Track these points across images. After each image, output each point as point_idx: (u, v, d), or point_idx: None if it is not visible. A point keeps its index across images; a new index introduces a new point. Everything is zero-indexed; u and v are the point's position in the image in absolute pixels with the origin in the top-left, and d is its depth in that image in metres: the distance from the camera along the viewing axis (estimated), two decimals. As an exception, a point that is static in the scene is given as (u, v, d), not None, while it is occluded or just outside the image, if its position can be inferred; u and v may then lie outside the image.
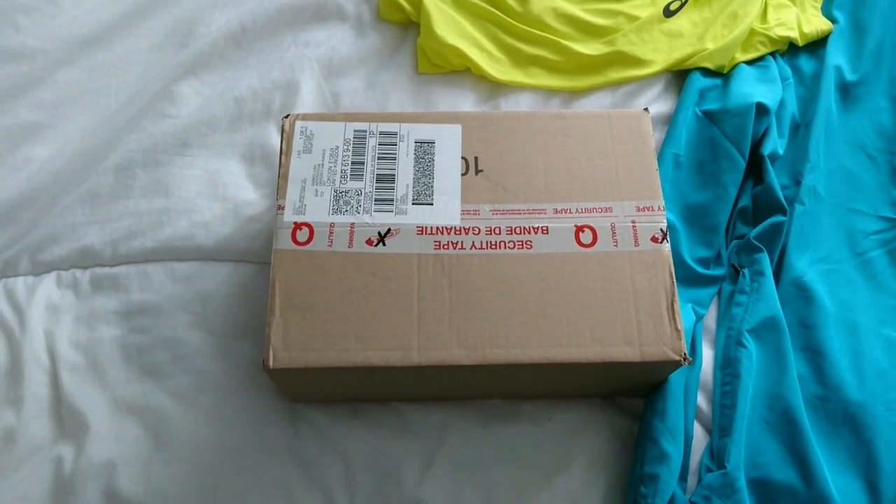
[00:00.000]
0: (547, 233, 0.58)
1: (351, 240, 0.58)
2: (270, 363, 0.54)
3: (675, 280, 0.57)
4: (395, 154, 0.61)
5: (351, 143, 0.62)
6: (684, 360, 0.55)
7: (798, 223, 0.71)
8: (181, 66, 0.78)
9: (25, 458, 0.61)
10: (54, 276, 0.69)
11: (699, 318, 0.68)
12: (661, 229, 0.58)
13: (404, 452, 0.62)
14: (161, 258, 0.69)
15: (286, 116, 0.63)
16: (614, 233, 0.58)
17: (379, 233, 0.58)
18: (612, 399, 0.65)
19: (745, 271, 0.69)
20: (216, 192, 0.72)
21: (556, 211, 0.59)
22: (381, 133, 0.62)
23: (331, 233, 0.58)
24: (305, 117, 0.63)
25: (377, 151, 0.62)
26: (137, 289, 0.68)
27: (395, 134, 0.62)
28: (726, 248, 0.71)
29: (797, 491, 0.59)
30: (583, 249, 0.58)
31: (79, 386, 0.64)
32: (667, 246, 0.58)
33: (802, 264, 0.70)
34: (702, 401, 0.65)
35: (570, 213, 0.59)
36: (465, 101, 0.77)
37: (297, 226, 0.58)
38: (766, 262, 0.69)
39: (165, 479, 0.60)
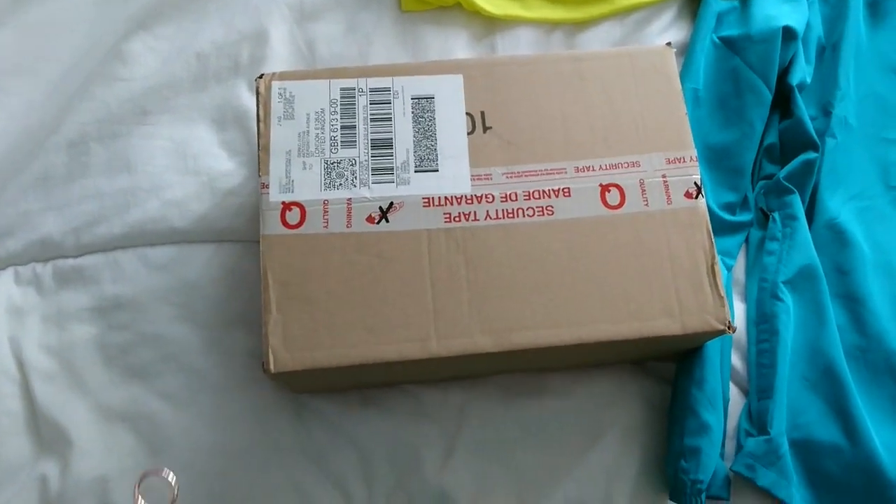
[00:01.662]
0: (569, 195, 0.52)
1: (349, 218, 0.51)
2: (272, 366, 0.48)
3: (713, 240, 0.51)
4: (389, 114, 0.54)
5: (338, 104, 0.54)
6: (729, 328, 0.50)
7: (829, 159, 0.65)
8: (130, 19, 0.68)
9: (6, 481, 0.55)
10: (11, 272, 0.62)
11: (728, 269, 0.63)
12: (696, 183, 0.53)
13: (423, 439, 0.58)
14: (132, 244, 0.62)
15: (260, 77, 0.55)
16: (644, 190, 0.52)
17: (380, 208, 0.51)
18: (642, 364, 0.61)
19: (776, 215, 0.64)
20: (186, 164, 0.64)
21: (577, 169, 0.53)
22: (371, 90, 0.55)
23: (325, 211, 0.51)
24: (283, 76, 0.55)
25: (369, 112, 0.54)
26: (109, 280, 0.61)
27: (387, 90, 0.55)
28: (753, 191, 0.66)
29: (842, 450, 0.56)
30: (610, 212, 0.52)
31: (55, 395, 0.58)
32: (703, 202, 0.52)
33: (835, 204, 0.65)
34: (736, 360, 0.61)
35: (594, 170, 0.53)
36: (458, 41, 0.69)
37: (286, 206, 0.51)
38: (797, 204, 0.64)
39: (163, 493, 0.55)
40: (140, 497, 0.39)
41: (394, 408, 0.59)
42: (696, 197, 0.52)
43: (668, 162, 0.53)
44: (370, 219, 0.51)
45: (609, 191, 0.52)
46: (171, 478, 0.35)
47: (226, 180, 0.63)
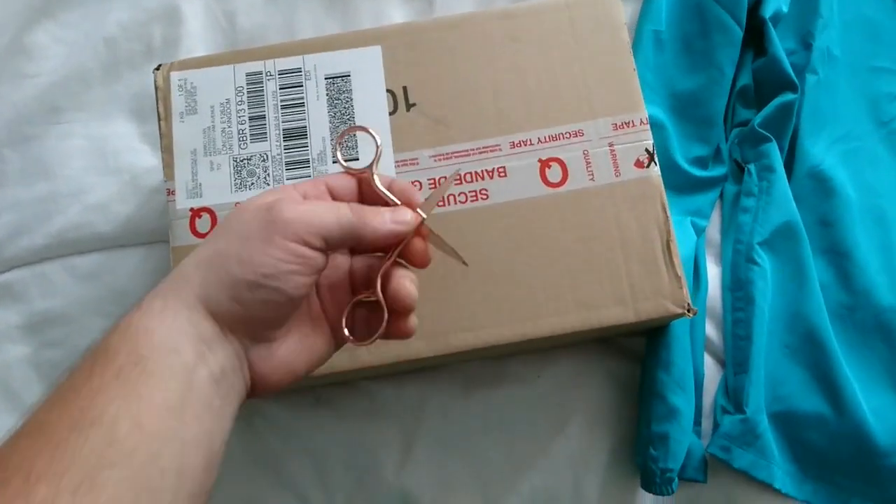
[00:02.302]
0: (505, 175, 0.47)
1: (264, 221, 0.46)
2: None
3: (668, 213, 0.46)
4: (302, 98, 0.49)
5: (245, 91, 0.49)
6: (688, 311, 0.45)
7: (811, 98, 0.59)
8: (30, 7, 0.62)
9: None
10: (-65, 296, 0.59)
11: (700, 231, 0.57)
12: (647, 149, 0.47)
13: (379, 438, 0.55)
14: (57, 255, 0.58)
15: (157, 68, 0.50)
16: (589, 163, 0.47)
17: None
18: (608, 340, 0.56)
19: (751, 167, 0.58)
20: (106, 163, 0.59)
21: (513, 145, 0.47)
22: (280, 72, 0.49)
23: (238, 215, 0.47)
24: (182, 65, 0.50)
25: (279, 98, 0.49)
26: (38, 295, 0.58)
27: (298, 71, 0.49)
28: (726, 141, 0.60)
29: (827, 420, 0.52)
30: (552, 190, 0.47)
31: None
32: (655, 170, 0.47)
33: (819, 149, 0.58)
34: (711, 329, 0.56)
35: (531, 144, 0.47)
36: (391, 1, 0.63)
37: (195, 212, 0.47)
38: (775, 153, 0.57)
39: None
40: (338, 149, 0.37)
41: (347, 408, 0.55)
42: (649, 165, 0.47)
43: (616, 128, 0.47)
44: (287, 220, 0.46)
45: (549, 166, 0.47)
46: (378, 137, 0.34)
47: (150, 177, 0.59)
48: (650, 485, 0.51)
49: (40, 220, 0.58)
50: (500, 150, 0.47)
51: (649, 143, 0.47)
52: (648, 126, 0.47)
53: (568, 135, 0.47)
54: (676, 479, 0.50)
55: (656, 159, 0.47)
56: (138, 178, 0.59)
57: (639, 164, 0.47)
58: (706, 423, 0.54)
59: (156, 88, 0.49)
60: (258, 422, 0.55)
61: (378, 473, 0.54)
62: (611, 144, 0.47)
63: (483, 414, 0.55)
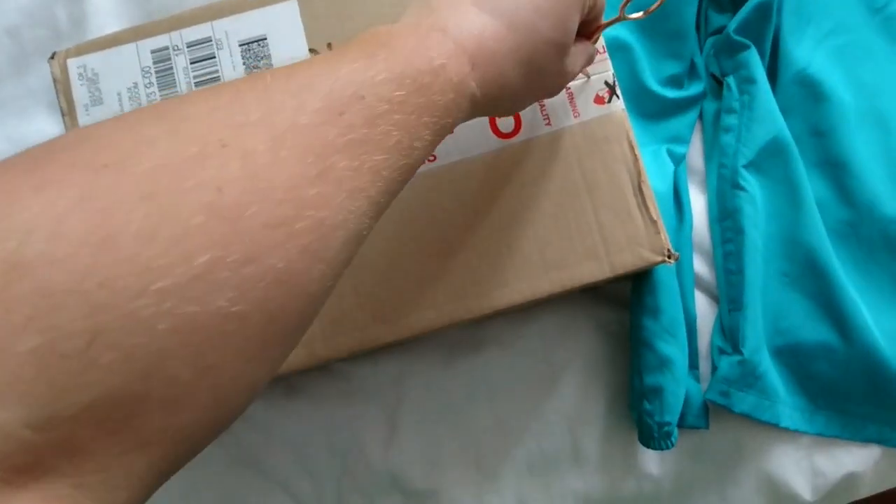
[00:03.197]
0: (451, 131, 0.42)
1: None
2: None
3: (638, 152, 0.41)
4: (217, 71, 0.44)
5: (152, 72, 0.44)
6: (668, 258, 0.41)
7: (792, -9, 0.53)
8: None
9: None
10: None
11: (680, 159, 0.53)
12: (607, 82, 0.42)
13: (361, 420, 0.52)
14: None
15: (51, 57, 0.45)
16: (542, 106, 0.42)
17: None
18: (593, 289, 0.53)
19: (730, 80, 0.53)
20: (32, 165, 0.55)
21: (456, 96, 0.42)
22: (189, 45, 0.44)
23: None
24: (79, 50, 0.44)
25: (192, 75, 0.44)
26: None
27: (208, 41, 0.44)
28: (701, 53, 0.54)
29: (834, 349, 0.49)
30: (506, 141, 0.42)
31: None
32: (618, 104, 0.42)
33: (804, 50, 0.53)
34: (701, 266, 0.52)
35: (477, 93, 0.42)
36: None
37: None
38: (755, 61, 0.52)
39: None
40: None
41: (323, 392, 0.53)
42: (610, 100, 0.42)
43: (568, 62, 0.42)
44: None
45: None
46: None
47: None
48: (648, 440, 0.48)
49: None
50: (443, 103, 0.42)
51: (609, 74, 0.42)
52: (606, 54, 0.42)
53: (516, 76, 0.42)
54: (675, 432, 0.48)
55: (618, 91, 0.42)
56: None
57: (599, 100, 0.42)
58: (704, 366, 0.51)
59: (54, 80, 0.44)
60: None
61: (364, 456, 0.52)
62: (565, 81, 0.42)
63: (467, 382, 0.52)
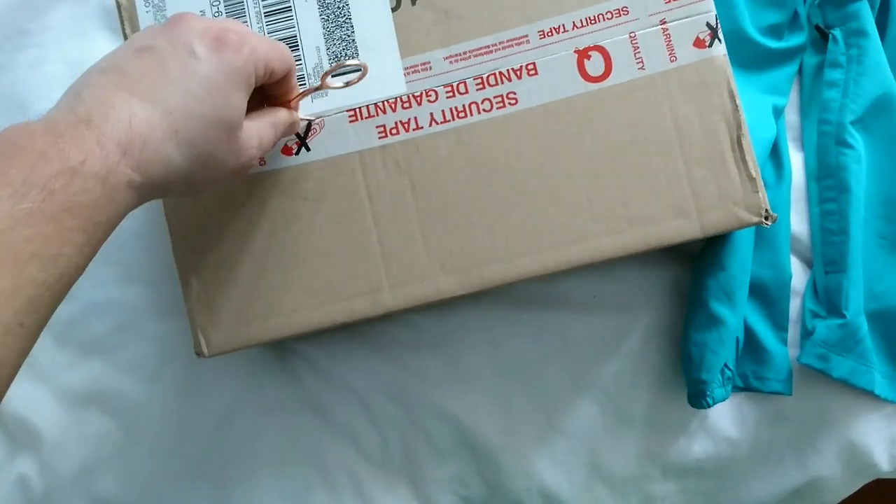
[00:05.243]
0: (535, 73, 0.40)
1: (261, 152, 0.42)
2: (204, 350, 0.42)
3: (738, 101, 0.39)
4: (288, 1, 0.42)
5: (221, 0, 0.43)
6: (766, 219, 0.39)
7: (911, -63, 0.49)
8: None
9: (-19, 487, 0.54)
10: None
11: (779, 112, 0.50)
12: (709, 23, 0.39)
13: (426, 371, 0.52)
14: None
15: (119, -18, 0.44)
16: (636, 48, 0.40)
17: (296, 133, 0.42)
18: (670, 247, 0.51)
19: (837, 33, 0.50)
20: (88, 92, 0.55)
21: (543, 34, 0.41)
22: (260, -28, 0.43)
23: (230, 149, 0.42)
24: (147, -25, 0.44)
25: (262, 3, 0.43)
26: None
27: (280, -32, 0.43)
28: (804, 4, 0.51)
29: None
30: (593, 85, 0.40)
31: (13, 385, 0.54)
32: (720, 48, 0.40)
33: (919, 2, 0.49)
34: (796, 223, 0.50)
35: (565, 31, 0.40)
36: None
37: (183, 149, 0.42)
38: (866, 13, 0.49)
39: (152, 477, 0.52)
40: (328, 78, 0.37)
41: (387, 341, 0.53)
42: (711, 44, 0.39)
43: (668, 0, 0.40)
44: (286, 150, 0.42)
45: (588, 56, 0.40)
46: (366, 66, 0.37)
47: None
48: (690, 397, 0.48)
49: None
50: (528, 41, 0.40)
51: (711, 14, 0.39)
52: (709, -7, 0.40)
53: (609, 14, 0.40)
54: (712, 393, 0.47)
55: (720, 34, 0.39)
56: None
57: (699, 43, 0.39)
58: (793, 331, 0.50)
59: (118, 6, 0.43)
60: (296, 363, 0.53)
61: (430, 405, 0.52)
62: (662, 21, 0.40)
63: (536, 338, 0.52)
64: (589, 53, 0.40)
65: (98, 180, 0.28)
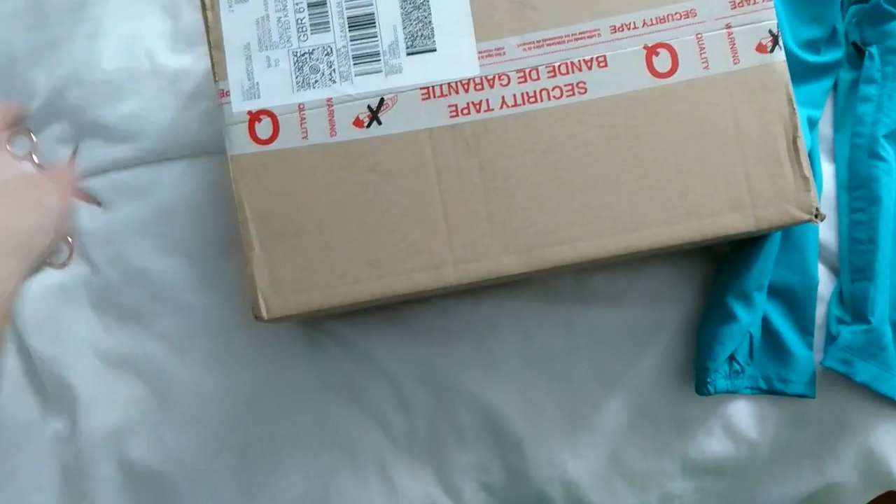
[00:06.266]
0: (605, 65, 0.43)
1: (332, 124, 0.44)
2: (263, 313, 0.43)
3: (795, 106, 0.42)
4: (369, -20, 0.44)
5: (302, -27, 0.45)
6: (816, 216, 0.42)
7: (949, -36, 0.53)
8: None
9: (19, 443, 0.54)
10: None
11: (813, 124, 0.53)
12: (771, 31, 0.42)
13: (457, 357, 0.54)
14: (102, 170, 0.56)
15: (198, -52, 0.45)
16: (702, 48, 0.43)
17: (369, 107, 0.44)
18: (704, 248, 0.54)
19: (873, 50, 0.53)
20: (140, 64, 0.56)
21: (614, 29, 0.43)
22: (340, -50, 0.45)
23: (302, 119, 0.44)
24: (227, -57, 0.45)
25: (341, -19, 0.44)
26: (87, 214, 0.56)
27: (361, -53, 0.45)
28: (843, 20, 0.55)
29: None
30: (660, 81, 0.43)
31: (51, 347, 0.54)
32: (780, 55, 0.43)
33: (952, 24, 0.53)
34: (824, 232, 0.53)
35: (636, 28, 0.43)
36: None
37: (254, 116, 0.44)
38: (903, 31, 0.52)
39: (181, 446, 0.53)
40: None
41: (420, 325, 0.54)
42: (773, 50, 0.42)
43: (734, 5, 0.43)
44: (358, 122, 0.43)
45: (657, 53, 0.43)
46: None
47: (188, 80, 0.56)
48: (695, 384, 0.51)
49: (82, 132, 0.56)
50: (599, 35, 0.43)
51: (773, 23, 0.43)
52: (773, 3, 0.43)
53: (678, 15, 0.43)
54: (714, 382, 0.50)
55: (781, 42, 0.42)
56: (177, 81, 0.56)
57: (761, 48, 0.42)
58: (818, 336, 0.52)
59: (199, -22, 0.45)
60: (327, 343, 0.54)
61: (460, 393, 0.53)
62: (728, 26, 0.43)
63: (568, 331, 0.54)
64: (657, 50, 0.43)
65: None
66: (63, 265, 0.56)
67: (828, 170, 0.54)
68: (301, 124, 0.44)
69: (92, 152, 0.56)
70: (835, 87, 0.55)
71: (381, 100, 0.43)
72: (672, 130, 0.43)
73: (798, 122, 0.42)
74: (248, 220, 0.44)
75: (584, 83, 0.43)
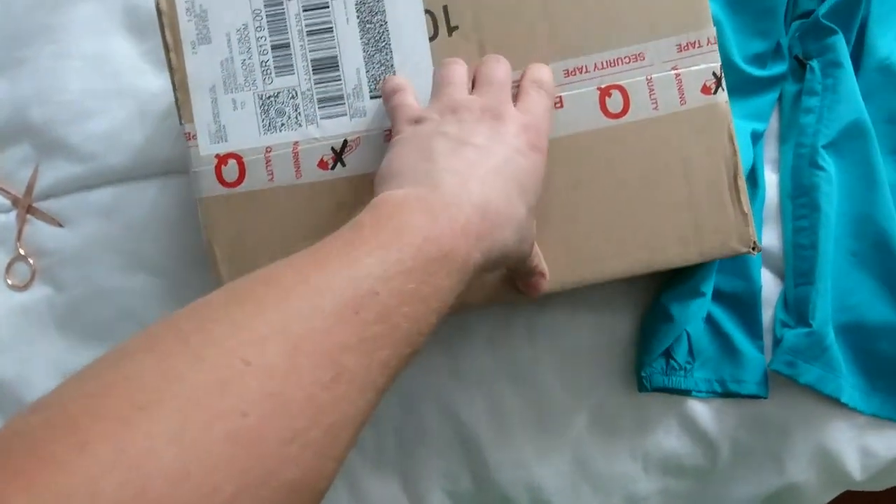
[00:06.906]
0: (561, 106, 0.45)
1: (297, 166, 0.46)
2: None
3: (736, 145, 0.45)
4: (329, 22, 0.46)
5: (263, 15, 0.46)
6: (753, 249, 0.46)
7: (881, -17, 0.56)
8: None
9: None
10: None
11: (758, 137, 0.57)
12: (715, 73, 0.45)
13: (425, 366, 0.56)
14: (64, 191, 0.57)
15: (158, -12, 0.46)
16: (652, 90, 0.45)
17: (332, 149, 0.45)
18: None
19: (815, 64, 0.56)
20: (107, 85, 0.57)
21: (568, 72, 0.46)
22: (302, -9, 0.46)
23: (268, 161, 0.46)
24: (187, -16, 0.46)
25: (304, 22, 0.46)
26: (50, 234, 0.57)
27: (322, -12, 0.46)
28: (786, 35, 0.57)
29: None
30: (612, 121, 0.45)
31: (13, 368, 0.56)
32: (723, 96, 0.46)
33: (888, 41, 0.57)
34: (769, 239, 0.57)
35: (588, 71, 0.46)
36: None
37: (221, 159, 0.46)
38: (841, 47, 0.56)
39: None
40: None
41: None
42: (716, 91, 0.45)
43: (680, 49, 0.45)
44: (322, 164, 0.46)
45: (610, 94, 0.45)
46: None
47: (156, 101, 0.56)
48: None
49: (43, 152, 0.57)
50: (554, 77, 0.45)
51: (717, 65, 0.45)
52: (716, 45, 0.45)
53: (628, 59, 0.45)
54: (649, 377, 0.53)
55: (724, 84, 0.45)
56: (145, 103, 0.57)
57: (705, 89, 0.45)
58: (767, 339, 0.56)
59: (159, 13, 0.46)
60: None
61: (427, 399, 0.56)
62: (675, 68, 0.45)
63: (529, 337, 0.56)
64: (610, 91, 0.45)
65: (457, 268, 0.31)
66: (25, 286, 0.58)
67: (772, 179, 0.58)
68: (267, 166, 0.46)
69: (55, 172, 0.57)
70: (780, 99, 0.59)
71: (345, 142, 0.45)
72: (624, 168, 0.46)
73: (739, 160, 0.45)
74: (219, 263, 0.46)
75: (541, 125, 0.45)
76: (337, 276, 0.28)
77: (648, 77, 0.45)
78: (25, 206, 0.57)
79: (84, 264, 0.57)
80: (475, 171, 0.35)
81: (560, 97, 0.45)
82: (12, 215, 0.58)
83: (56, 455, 0.21)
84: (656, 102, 0.45)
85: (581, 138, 0.45)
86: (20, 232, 0.57)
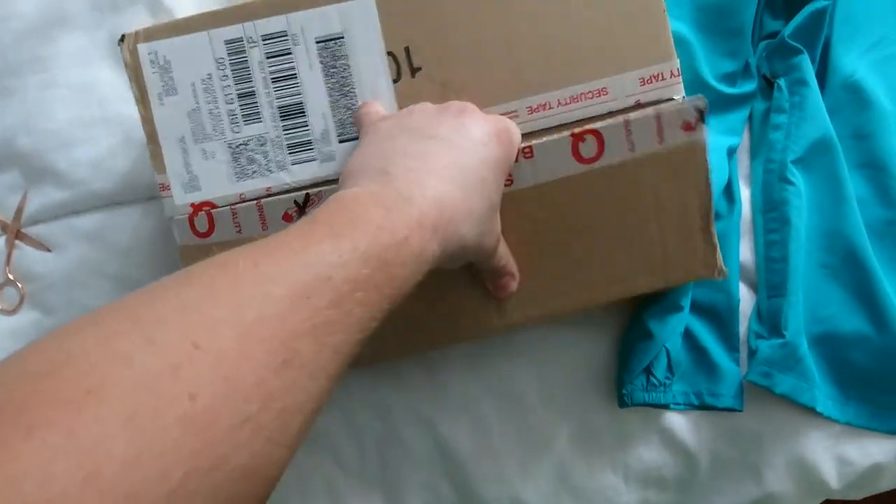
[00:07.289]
0: (531, 155, 0.45)
1: (263, 219, 0.46)
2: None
3: (710, 180, 0.46)
4: (293, 68, 0.46)
5: (227, 64, 0.46)
6: (717, 274, 0.47)
7: (843, 3, 0.57)
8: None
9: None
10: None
11: (733, 151, 0.57)
12: (698, 107, 0.44)
13: (407, 381, 0.57)
14: (52, 216, 0.59)
15: (121, 40, 0.46)
16: (629, 131, 0.45)
17: (296, 202, 0.46)
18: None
19: (782, 82, 0.57)
20: (93, 113, 0.58)
21: (532, 109, 0.46)
22: (264, 38, 0.46)
23: (235, 214, 0.46)
24: (149, 34, 0.47)
25: (268, 70, 0.46)
26: (39, 259, 0.58)
27: (284, 35, 0.46)
28: (754, 55, 0.58)
29: (868, 338, 0.54)
30: (585, 167, 0.45)
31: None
32: (703, 132, 0.45)
33: (851, 59, 0.58)
34: (744, 253, 0.58)
35: (551, 108, 0.46)
36: None
37: (196, 207, 0.47)
38: (807, 66, 0.57)
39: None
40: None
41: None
42: (696, 127, 0.45)
43: (643, 82, 0.46)
44: (287, 216, 0.46)
45: (583, 140, 0.45)
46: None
47: (141, 128, 0.57)
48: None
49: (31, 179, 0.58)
50: (518, 115, 0.46)
51: (701, 101, 0.45)
52: (680, 78, 0.46)
53: (591, 94, 0.46)
54: (630, 394, 0.54)
55: (705, 118, 0.45)
56: (130, 130, 0.58)
57: (687, 126, 0.45)
58: (742, 351, 0.57)
59: (125, 64, 0.46)
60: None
61: (408, 414, 0.57)
62: (637, 102, 0.46)
63: (507, 352, 0.57)
64: (584, 137, 0.45)
65: (413, 258, 0.32)
66: (14, 311, 0.59)
67: (747, 194, 0.59)
68: (234, 219, 0.46)
69: (43, 198, 0.58)
70: (750, 117, 0.59)
71: (307, 196, 0.46)
72: (597, 210, 0.46)
73: (711, 194, 0.46)
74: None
75: (511, 176, 0.45)
76: (289, 261, 0.28)
77: (627, 121, 0.44)
78: (14, 232, 0.58)
79: (71, 288, 0.58)
80: (433, 164, 0.36)
81: (531, 147, 0.45)
82: (1, 241, 0.59)
83: (4, 439, 0.21)
84: (632, 144, 0.45)
85: (552, 187, 0.45)
86: (9, 257, 0.59)
